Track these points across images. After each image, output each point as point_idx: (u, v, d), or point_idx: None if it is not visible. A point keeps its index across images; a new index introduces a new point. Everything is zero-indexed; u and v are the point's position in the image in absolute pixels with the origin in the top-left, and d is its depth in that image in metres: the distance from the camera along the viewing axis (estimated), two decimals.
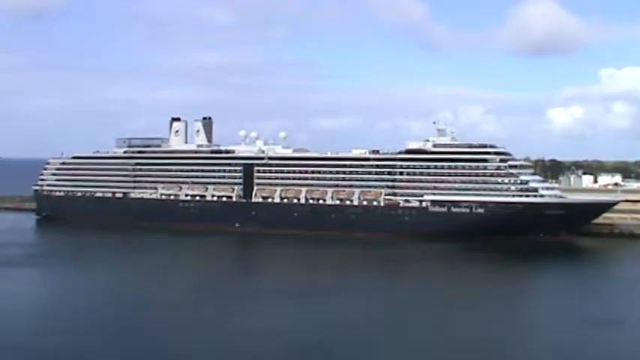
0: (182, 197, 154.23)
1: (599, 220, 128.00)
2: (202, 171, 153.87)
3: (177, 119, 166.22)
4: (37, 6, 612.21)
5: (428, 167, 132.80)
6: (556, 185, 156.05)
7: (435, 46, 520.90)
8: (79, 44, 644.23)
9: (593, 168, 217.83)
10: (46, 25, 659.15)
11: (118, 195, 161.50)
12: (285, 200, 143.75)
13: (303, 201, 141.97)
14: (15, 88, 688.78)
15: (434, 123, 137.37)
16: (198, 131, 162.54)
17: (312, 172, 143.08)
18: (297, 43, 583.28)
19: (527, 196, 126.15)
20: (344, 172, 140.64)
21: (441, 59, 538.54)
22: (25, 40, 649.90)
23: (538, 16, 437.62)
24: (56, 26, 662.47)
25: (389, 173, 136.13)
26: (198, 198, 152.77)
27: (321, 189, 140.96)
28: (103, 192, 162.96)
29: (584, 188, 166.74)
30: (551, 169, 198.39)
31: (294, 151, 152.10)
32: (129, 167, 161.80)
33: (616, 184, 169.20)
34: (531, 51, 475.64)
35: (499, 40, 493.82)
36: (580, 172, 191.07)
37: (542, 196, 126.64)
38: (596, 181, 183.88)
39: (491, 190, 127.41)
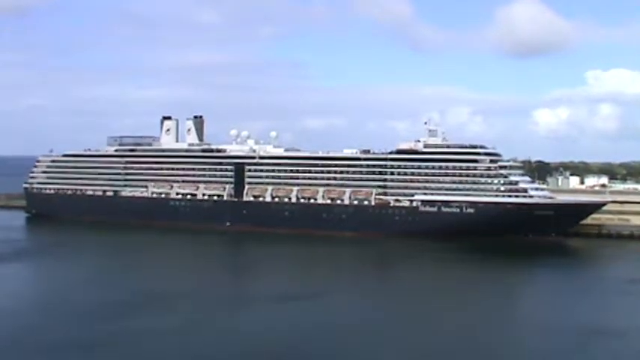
0: (173, 196, 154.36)
1: (588, 220, 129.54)
2: (193, 170, 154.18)
3: (169, 118, 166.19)
4: (22, 3, 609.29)
5: (419, 167, 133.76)
6: (544, 186, 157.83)
7: (421, 46, 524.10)
8: (65, 42, 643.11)
9: (579, 169, 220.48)
10: (31, 23, 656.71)
11: (108, 193, 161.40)
12: (276, 199, 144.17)
13: (294, 200, 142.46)
14: (1, 87, 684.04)
15: (425, 123, 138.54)
16: (189, 130, 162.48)
17: (304, 172, 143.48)
18: (284, 44, 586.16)
19: (517, 196, 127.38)
20: (335, 172, 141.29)
21: (427, 60, 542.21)
22: (9, 38, 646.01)
23: (524, 17, 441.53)
24: (42, 24, 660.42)
25: (380, 173, 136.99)
26: (189, 197, 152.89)
27: (312, 188, 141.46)
28: (93, 190, 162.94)
29: (571, 189, 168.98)
30: (538, 170, 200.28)
31: (286, 150, 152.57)
32: (120, 165, 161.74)
33: (603, 186, 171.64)
34: (518, 52, 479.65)
35: (485, 40, 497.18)
36: (567, 173, 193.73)
37: (531, 196, 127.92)
38: (582, 183, 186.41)
39: (481, 190, 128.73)
